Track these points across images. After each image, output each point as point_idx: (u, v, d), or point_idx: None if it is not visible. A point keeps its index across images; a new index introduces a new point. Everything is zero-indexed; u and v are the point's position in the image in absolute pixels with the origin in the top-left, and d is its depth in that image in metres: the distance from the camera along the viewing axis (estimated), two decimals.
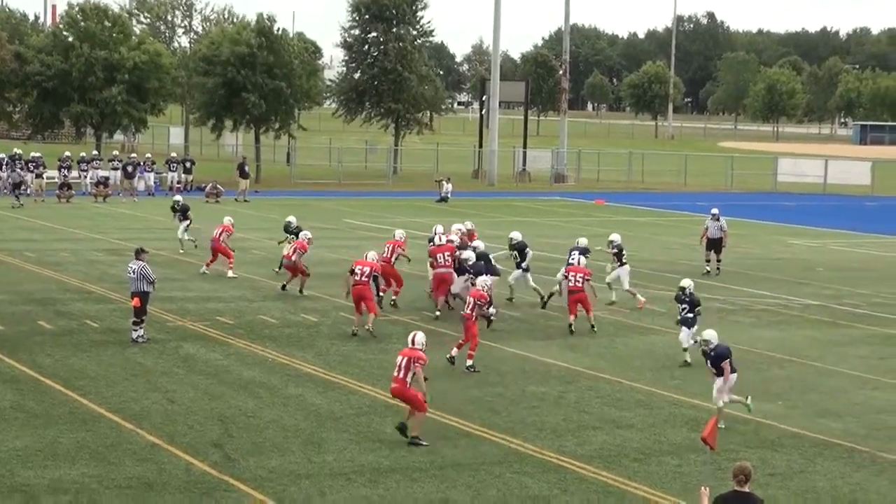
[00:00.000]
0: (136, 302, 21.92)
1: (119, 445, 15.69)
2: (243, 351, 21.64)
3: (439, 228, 27.32)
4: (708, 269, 33.16)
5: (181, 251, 33.65)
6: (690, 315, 21.37)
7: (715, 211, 34.19)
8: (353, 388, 19.10)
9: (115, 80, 59.23)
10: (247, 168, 53.99)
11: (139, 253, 22.44)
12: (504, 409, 18.13)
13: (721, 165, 75.63)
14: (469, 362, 20.63)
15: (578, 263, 24.94)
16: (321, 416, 17.35)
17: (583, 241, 26.85)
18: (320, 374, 19.97)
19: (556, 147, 73.89)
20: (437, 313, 25.18)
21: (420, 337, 16.44)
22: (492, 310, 21.24)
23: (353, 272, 23.82)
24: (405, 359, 16.22)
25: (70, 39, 61.14)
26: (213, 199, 51.46)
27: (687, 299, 21.48)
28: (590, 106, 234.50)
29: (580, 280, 24.08)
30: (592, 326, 24.42)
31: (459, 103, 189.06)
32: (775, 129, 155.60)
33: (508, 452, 15.95)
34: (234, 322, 24.25)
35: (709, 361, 17.70)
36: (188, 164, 56.94)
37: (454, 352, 20.99)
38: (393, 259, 26.74)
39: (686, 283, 21.65)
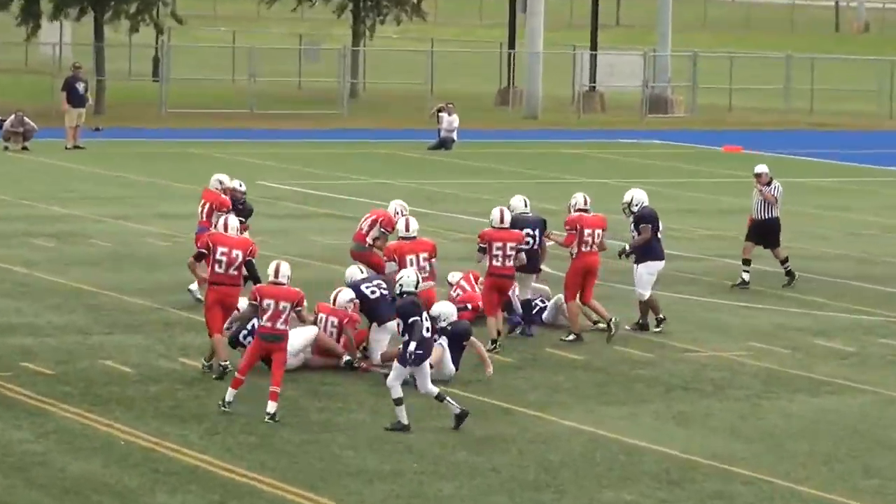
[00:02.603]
0: None
1: None
2: (73, 426, 21.65)
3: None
4: (744, 277, 32.29)
5: None
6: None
7: (761, 169, 32.96)
8: (274, 496, 19.06)
9: None
10: (81, 87, 53.97)
11: None
12: None
13: None
14: (270, 407, 22.00)
15: None
16: None
17: None
18: (215, 471, 19.93)
19: (653, 48, 74.01)
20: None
21: None
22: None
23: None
24: None
25: None
26: (18, 144, 51.37)
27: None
28: None
29: None
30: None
31: None
32: None
33: None
34: (57, 372, 24.33)
35: None
36: None
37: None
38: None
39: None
